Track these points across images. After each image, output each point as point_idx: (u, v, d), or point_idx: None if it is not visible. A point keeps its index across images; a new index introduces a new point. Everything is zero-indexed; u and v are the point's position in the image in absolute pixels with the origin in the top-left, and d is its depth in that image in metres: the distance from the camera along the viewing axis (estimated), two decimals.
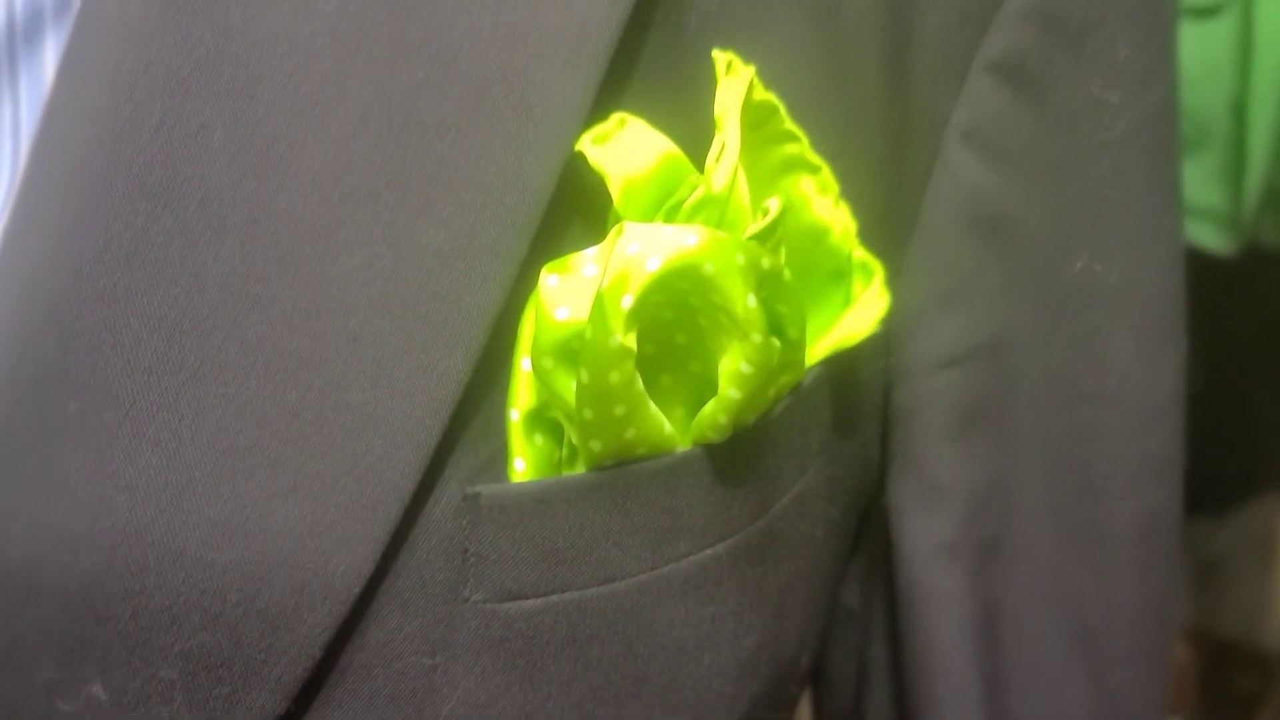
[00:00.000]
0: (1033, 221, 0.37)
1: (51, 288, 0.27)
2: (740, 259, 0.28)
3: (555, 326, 0.28)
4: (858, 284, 0.35)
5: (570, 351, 0.29)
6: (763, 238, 0.30)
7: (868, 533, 0.41)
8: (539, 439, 0.31)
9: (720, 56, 0.31)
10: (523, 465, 0.30)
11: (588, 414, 0.29)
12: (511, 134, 0.29)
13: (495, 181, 0.29)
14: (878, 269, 0.35)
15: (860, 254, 0.35)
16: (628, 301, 0.27)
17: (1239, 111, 0.85)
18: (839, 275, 0.35)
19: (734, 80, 0.31)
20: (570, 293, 0.29)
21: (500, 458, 0.31)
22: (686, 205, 0.30)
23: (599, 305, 0.27)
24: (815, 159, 0.34)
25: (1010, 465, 0.39)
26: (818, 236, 0.34)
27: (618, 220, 0.31)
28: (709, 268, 0.28)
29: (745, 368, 0.29)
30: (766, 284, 0.29)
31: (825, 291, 0.35)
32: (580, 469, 0.31)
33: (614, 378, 0.28)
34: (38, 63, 0.30)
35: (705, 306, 0.29)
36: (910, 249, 0.37)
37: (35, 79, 0.30)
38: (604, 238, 0.32)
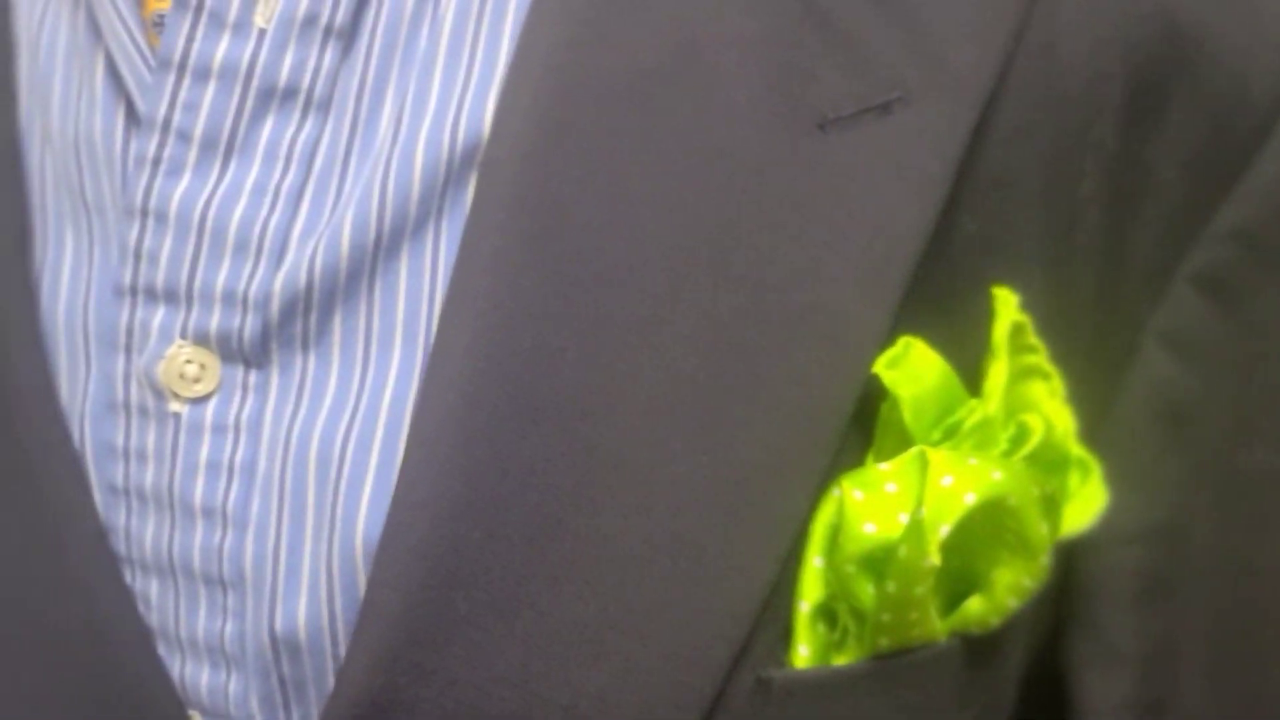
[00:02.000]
0: (1215, 414, 0.41)
1: (447, 505, 0.30)
2: (1036, 491, 0.31)
3: (861, 538, 0.32)
4: (1074, 478, 0.38)
5: (873, 560, 0.32)
6: (1030, 456, 0.34)
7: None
8: (821, 627, 0.34)
9: (1000, 292, 0.34)
10: (806, 651, 0.34)
11: (886, 618, 0.32)
12: (821, 361, 0.32)
13: (804, 403, 0.32)
14: (1094, 466, 0.38)
15: (1079, 451, 0.38)
16: (945, 531, 0.31)
17: None
18: (1058, 468, 0.38)
19: (1006, 310, 0.34)
20: (874, 508, 0.32)
21: (782, 641, 0.34)
22: (966, 425, 0.33)
23: (917, 529, 0.31)
24: (1049, 367, 0.37)
25: (1180, 632, 0.42)
26: (1046, 434, 0.38)
27: (889, 428, 0.34)
28: (1012, 500, 0.31)
29: (1028, 582, 0.32)
30: (1047, 507, 0.32)
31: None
32: (850, 652, 0.34)
33: (918, 591, 0.31)
34: (393, 276, 0.33)
35: (986, 522, 0.33)
36: (1102, 434, 0.41)
37: (390, 292, 0.33)
38: (873, 443, 0.35)
